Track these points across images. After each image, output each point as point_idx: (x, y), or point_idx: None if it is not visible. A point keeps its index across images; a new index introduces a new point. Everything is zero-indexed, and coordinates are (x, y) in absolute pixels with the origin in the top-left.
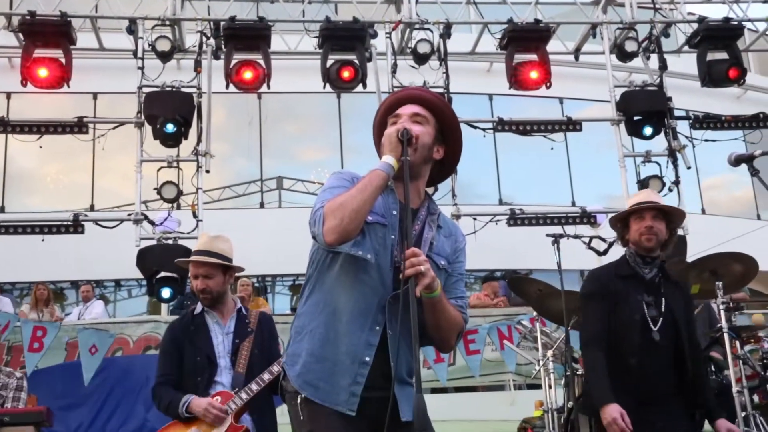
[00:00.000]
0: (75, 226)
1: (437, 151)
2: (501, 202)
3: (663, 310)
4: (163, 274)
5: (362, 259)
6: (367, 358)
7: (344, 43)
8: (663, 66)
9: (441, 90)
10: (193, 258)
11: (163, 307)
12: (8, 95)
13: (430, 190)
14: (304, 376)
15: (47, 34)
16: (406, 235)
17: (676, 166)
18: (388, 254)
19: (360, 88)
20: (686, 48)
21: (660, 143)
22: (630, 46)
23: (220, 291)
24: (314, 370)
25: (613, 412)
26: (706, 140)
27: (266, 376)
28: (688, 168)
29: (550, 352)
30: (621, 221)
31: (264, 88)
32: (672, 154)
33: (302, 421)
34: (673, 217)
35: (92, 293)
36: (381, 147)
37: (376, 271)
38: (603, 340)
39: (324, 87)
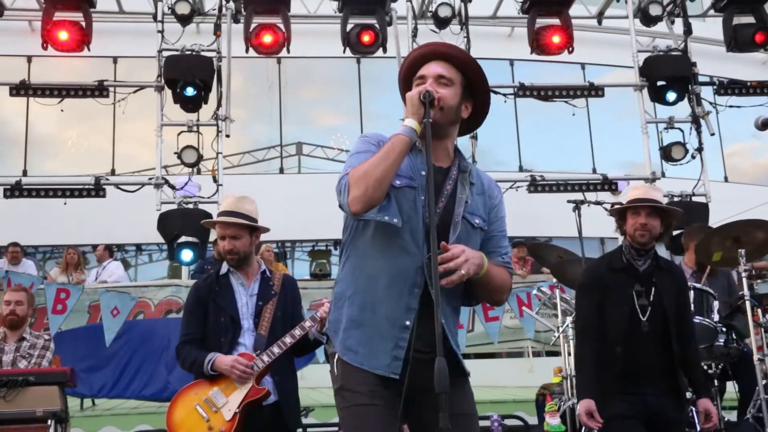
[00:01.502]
0: (97, 189)
1: (465, 109)
2: (521, 169)
3: (652, 299)
4: (183, 238)
5: (392, 216)
6: (408, 322)
7: (364, 6)
8: (688, 30)
9: None
10: (220, 219)
11: (184, 271)
12: (29, 59)
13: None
14: (344, 342)
15: None
16: (428, 216)
17: (699, 132)
18: (419, 216)
19: (380, 52)
20: (712, 12)
21: (683, 109)
22: (654, 10)
23: (247, 252)
24: (354, 336)
25: (583, 406)
26: (731, 106)
27: (288, 340)
28: (712, 134)
29: (569, 319)
30: (619, 213)
31: (283, 53)
32: (695, 120)
33: (335, 377)
34: (668, 213)
35: (106, 254)
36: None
37: (409, 234)
38: (592, 332)
39: (344, 51)
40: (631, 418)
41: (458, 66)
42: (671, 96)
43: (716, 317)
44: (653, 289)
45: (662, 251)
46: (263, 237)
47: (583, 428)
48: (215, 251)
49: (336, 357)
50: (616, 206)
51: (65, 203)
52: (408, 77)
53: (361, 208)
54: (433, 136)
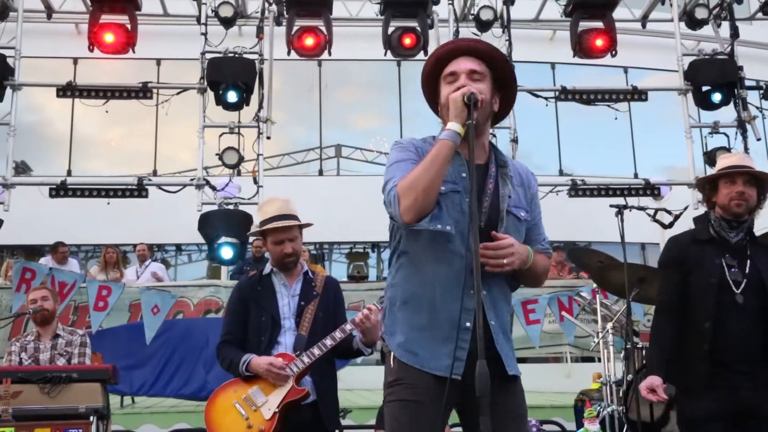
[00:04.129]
0: (139, 190)
1: (495, 103)
2: (561, 173)
3: (747, 272)
4: (224, 239)
5: (441, 222)
6: (468, 324)
7: (406, 9)
8: (735, 34)
9: None
10: (278, 224)
11: (223, 271)
12: (75, 60)
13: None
14: (404, 346)
15: (114, 0)
16: (471, 216)
17: (745, 137)
18: (467, 219)
19: (421, 55)
20: (759, 15)
21: (728, 114)
22: (700, 13)
23: (300, 251)
24: (413, 339)
25: (648, 381)
26: None
27: (328, 342)
28: (758, 140)
29: (609, 325)
30: (710, 183)
31: (325, 55)
32: (741, 125)
33: (391, 370)
34: (765, 183)
35: (148, 253)
36: (441, 108)
37: (459, 238)
38: (672, 309)
39: (385, 54)
40: (717, 421)
41: (486, 60)
42: (717, 96)
43: None
44: (748, 262)
45: None
46: (303, 238)
47: None
48: (253, 251)
49: (393, 355)
50: (708, 175)
51: (108, 203)
52: (432, 75)
53: (412, 218)
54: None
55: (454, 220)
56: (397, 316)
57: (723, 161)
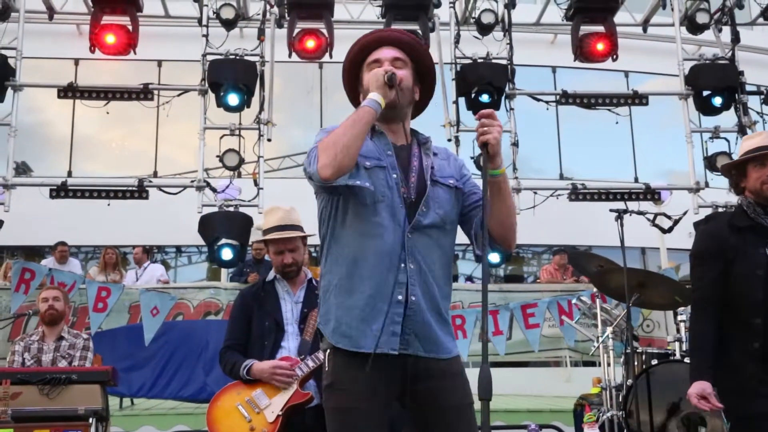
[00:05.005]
0: (140, 191)
1: (416, 92)
2: (561, 177)
3: None
4: (224, 240)
5: (367, 196)
6: (400, 297)
7: (407, 12)
8: (735, 39)
9: (504, 61)
10: (278, 235)
11: (223, 273)
12: (76, 61)
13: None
14: (337, 330)
15: (115, 1)
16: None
17: None
18: (395, 193)
19: None
20: (761, 20)
21: (729, 119)
22: (701, 18)
23: (302, 261)
24: (345, 322)
25: (697, 387)
26: None
27: None
28: None
29: (609, 329)
30: (736, 168)
31: (326, 58)
32: (742, 130)
33: (326, 372)
34: None
35: (144, 255)
36: (363, 92)
37: (386, 212)
38: (712, 305)
39: None
40: None
41: (408, 51)
42: (717, 100)
43: None
44: None
45: None
46: None
47: None
48: (252, 254)
49: (328, 352)
50: (734, 160)
51: (108, 204)
52: (355, 62)
53: (330, 174)
54: (393, 117)
55: (380, 193)
56: (329, 302)
57: (747, 143)
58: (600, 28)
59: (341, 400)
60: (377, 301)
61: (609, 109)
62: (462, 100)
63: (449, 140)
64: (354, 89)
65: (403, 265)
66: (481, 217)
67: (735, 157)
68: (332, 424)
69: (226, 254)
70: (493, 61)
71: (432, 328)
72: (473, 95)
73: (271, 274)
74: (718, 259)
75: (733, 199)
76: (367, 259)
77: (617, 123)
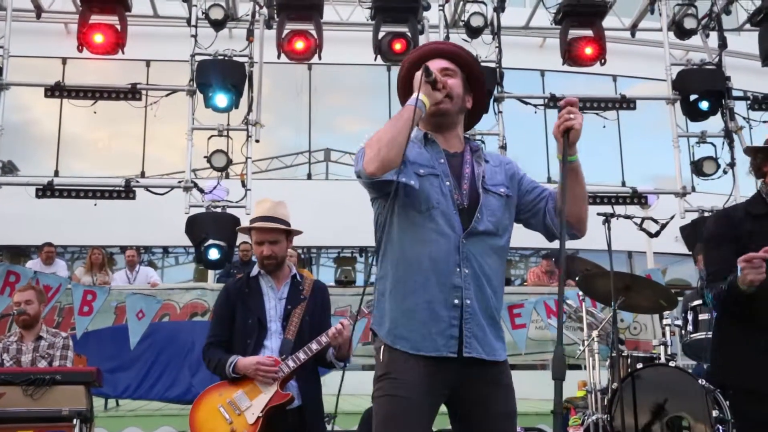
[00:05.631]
0: (127, 191)
1: (468, 101)
2: (549, 180)
3: None
4: (211, 241)
5: (421, 202)
6: (456, 301)
7: (396, 15)
8: (723, 44)
9: (493, 64)
10: (260, 224)
11: (210, 274)
12: (63, 60)
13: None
14: (393, 332)
15: (103, 0)
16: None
17: (732, 147)
18: (449, 200)
19: None
20: (747, 26)
21: (716, 124)
22: (689, 23)
23: (284, 256)
24: (403, 324)
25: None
26: (765, 121)
27: (314, 346)
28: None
29: (595, 333)
30: (762, 151)
31: (315, 59)
32: (728, 135)
33: (380, 364)
34: None
35: (137, 258)
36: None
37: (441, 218)
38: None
39: (375, 59)
40: None
41: (458, 62)
42: (704, 104)
43: None
44: None
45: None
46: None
47: None
48: (239, 255)
49: (383, 347)
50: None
51: (95, 204)
52: (407, 79)
53: (375, 168)
54: (445, 125)
55: (435, 200)
56: (384, 305)
57: None
58: (588, 33)
59: (394, 388)
60: (434, 305)
61: (597, 113)
62: None
63: None
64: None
65: (458, 269)
66: (553, 206)
67: (721, 162)
68: (381, 411)
69: (213, 255)
70: (482, 64)
71: (486, 332)
72: None
73: (255, 270)
74: (732, 242)
75: (720, 203)
76: (424, 264)
77: (605, 127)
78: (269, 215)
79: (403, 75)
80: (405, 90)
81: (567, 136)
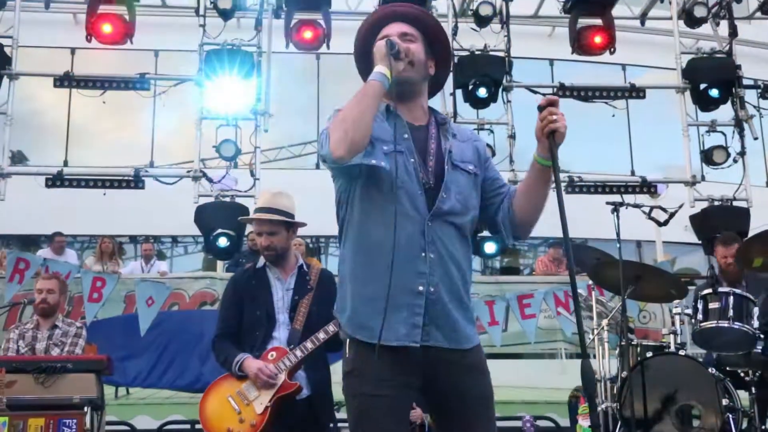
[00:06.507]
0: (136, 181)
1: (431, 67)
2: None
3: None
4: (220, 231)
5: (385, 182)
6: (420, 288)
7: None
8: (733, 33)
9: (501, 53)
10: (256, 215)
11: (219, 263)
12: (72, 51)
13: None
14: (353, 320)
15: None
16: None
17: (742, 136)
18: (414, 179)
19: None
20: (758, 14)
21: (726, 113)
22: (699, 12)
23: (284, 247)
24: (364, 312)
25: None
26: None
27: (321, 335)
28: (755, 139)
29: (604, 322)
30: None
31: (323, 49)
32: (738, 124)
33: (347, 359)
34: None
35: (153, 252)
36: (371, 61)
37: (407, 198)
38: None
39: None
40: None
41: (418, 25)
42: (714, 91)
43: (756, 323)
44: None
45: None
46: (299, 231)
47: None
48: (248, 244)
49: (348, 340)
50: None
51: (104, 194)
52: (366, 41)
53: (344, 152)
54: (408, 94)
55: (400, 180)
56: (345, 290)
57: None
58: (598, 21)
59: (361, 386)
60: (397, 292)
61: (606, 102)
62: (459, 93)
63: None
64: (367, 72)
65: (423, 254)
66: (509, 205)
67: (731, 151)
68: (352, 411)
69: (222, 244)
70: (491, 53)
71: (453, 318)
72: (470, 87)
73: (261, 261)
74: None
75: (730, 192)
76: (386, 248)
77: (614, 116)
78: (268, 206)
79: (362, 37)
80: (363, 57)
81: (552, 138)
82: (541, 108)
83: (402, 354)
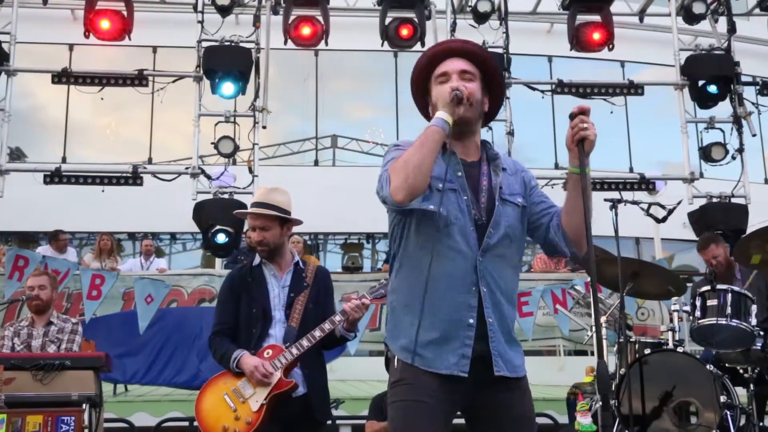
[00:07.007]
0: (134, 178)
1: (485, 103)
2: (557, 167)
3: None
4: (218, 227)
5: (440, 219)
6: (471, 321)
7: (403, 0)
8: (732, 29)
9: (500, 50)
10: (250, 210)
11: (218, 260)
12: (70, 47)
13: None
14: (407, 348)
15: None
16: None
17: (740, 133)
18: (466, 216)
19: (418, 46)
20: (757, 11)
21: (724, 109)
22: (698, 8)
23: (278, 243)
24: (418, 342)
25: None
26: None
27: (317, 333)
28: (754, 135)
29: (603, 318)
30: None
31: (321, 45)
32: (737, 120)
33: (395, 370)
34: None
35: (153, 248)
36: (432, 106)
37: (459, 235)
38: None
39: (382, 45)
40: None
41: (476, 61)
42: (713, 87)
43: (754, 321)
44: None
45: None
46: (298, 229)
47: None
48: (246, 241)
49: (397, 358)
50: None
51: (103, 191)
52: (423, 74)
53: (403, 197)
54: (463, 132)
55: (453, 216)
56: (399, 320)
57: None
58: (596, 18)
59: (409, 393)
60: (449, 324)
61: (604, 99)
62: None
63: None
64: (422, 100)
65: (474, 288)
66: (558, 222)
67: (729, 148)
68: (398, 414)
69: (221, 241)
70: (490, 49)
71: (502, 350)
72: None
73: (257, 258)
74: None
75: (728, 189)
76: (440, 282)
77: (612, 113)
78: (261, 201)
79: (420, 70)
80: (419, 86)
81: (582, 146)
82: (572, 116)
83: (450, 382)
